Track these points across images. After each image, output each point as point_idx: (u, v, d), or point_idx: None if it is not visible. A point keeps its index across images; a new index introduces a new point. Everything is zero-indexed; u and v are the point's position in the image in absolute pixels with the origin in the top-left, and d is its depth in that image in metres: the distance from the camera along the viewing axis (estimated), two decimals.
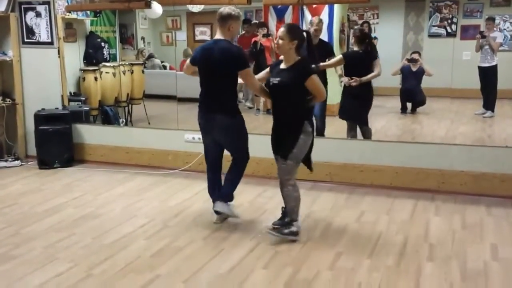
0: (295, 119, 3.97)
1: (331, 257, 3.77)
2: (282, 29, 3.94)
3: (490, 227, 4.35)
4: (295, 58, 3.95)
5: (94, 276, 3.53)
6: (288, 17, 7.46)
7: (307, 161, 4.17)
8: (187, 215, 4.68)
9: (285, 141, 4.01)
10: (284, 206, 4.26)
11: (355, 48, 5.80)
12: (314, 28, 5.91)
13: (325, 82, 5.53)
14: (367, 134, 5.84)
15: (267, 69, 4.25)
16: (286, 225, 4.12)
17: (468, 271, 3.54)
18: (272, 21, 7.44)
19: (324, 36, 7.08)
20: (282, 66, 4.02)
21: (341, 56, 5.89)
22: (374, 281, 3.41)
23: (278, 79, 3.95)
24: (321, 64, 5.51)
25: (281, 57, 4.07)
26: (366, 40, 5.72)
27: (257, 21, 8.20)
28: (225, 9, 4.12)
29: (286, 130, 4.00)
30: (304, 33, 4.13)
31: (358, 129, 5.87)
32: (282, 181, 4.09)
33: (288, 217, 4.16)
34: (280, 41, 3.91)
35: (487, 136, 6.54)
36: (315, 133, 4.12)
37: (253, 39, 7.63)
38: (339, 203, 4.98)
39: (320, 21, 6.05)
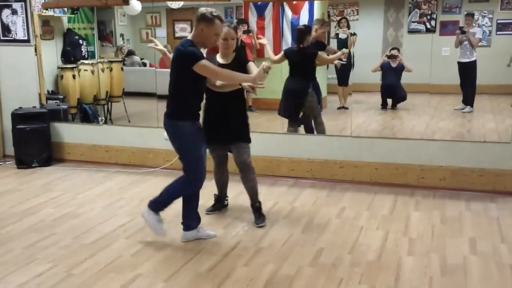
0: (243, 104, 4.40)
1: (312, 253, 3.79)
2: (232, 31, 4.19)
3: (469, 221, 4.40)
4: (232, 54, 4.28)
5: (75, 276, 3.50)
6: (268, 14, 7.44)
7: None
8: (168, 214, 4.63)
9: (238, 126, 4.31)
10: (216, 193, 4.67)
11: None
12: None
13: None
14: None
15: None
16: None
17: (447, 265, 3.58)
18: (253, 18, 7.40)
19: None
20: (222, 61, 4.21)
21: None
22: (355, 276, 3.43)
23: None
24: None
25: (219, 54, 4.28)
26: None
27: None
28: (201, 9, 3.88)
29: (236, 116, 4.30)
30: None
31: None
32: (247, 165, 4.27)
33: (254, 201, 4.41)
34: (232, 41, 4.19)
35: (466, 131, 6.60)
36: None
37: None
38: (320, 200, 4.99)
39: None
